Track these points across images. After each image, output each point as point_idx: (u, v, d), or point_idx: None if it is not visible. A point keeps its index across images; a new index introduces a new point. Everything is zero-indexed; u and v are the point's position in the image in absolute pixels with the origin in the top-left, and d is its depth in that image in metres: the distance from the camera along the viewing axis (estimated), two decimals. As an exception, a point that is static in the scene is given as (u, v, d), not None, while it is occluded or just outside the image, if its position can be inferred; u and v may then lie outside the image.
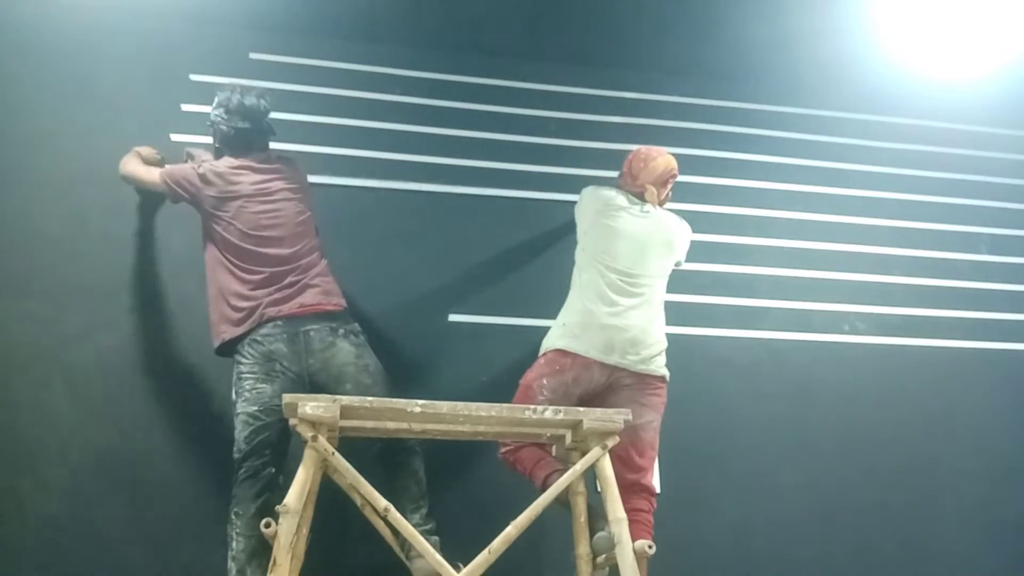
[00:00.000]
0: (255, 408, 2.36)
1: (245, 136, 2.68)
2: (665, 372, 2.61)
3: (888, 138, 3.67)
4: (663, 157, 2.79)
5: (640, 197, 2.76)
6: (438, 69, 3.35)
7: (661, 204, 2.81)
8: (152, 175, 2.68)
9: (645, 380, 2.55)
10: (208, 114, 2.75)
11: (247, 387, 2.39)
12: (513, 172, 3.30)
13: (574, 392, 2.52)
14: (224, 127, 2.68)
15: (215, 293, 2.53)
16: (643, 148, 2.85)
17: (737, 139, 3.53)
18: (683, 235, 2.82)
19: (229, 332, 2.46)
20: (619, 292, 2.60)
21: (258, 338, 2.43)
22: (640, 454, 2.50)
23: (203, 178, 2.59)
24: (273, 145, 2.80)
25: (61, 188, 2.87)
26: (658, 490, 2.58)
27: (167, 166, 2.71)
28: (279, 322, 2.44)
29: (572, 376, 2.52)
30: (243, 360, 2.43)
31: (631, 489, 2.41)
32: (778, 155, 3.54)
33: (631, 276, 2.63)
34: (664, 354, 2.63)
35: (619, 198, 2.75)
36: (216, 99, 2.72)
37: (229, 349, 2.48)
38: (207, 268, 2.57)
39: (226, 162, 2.65)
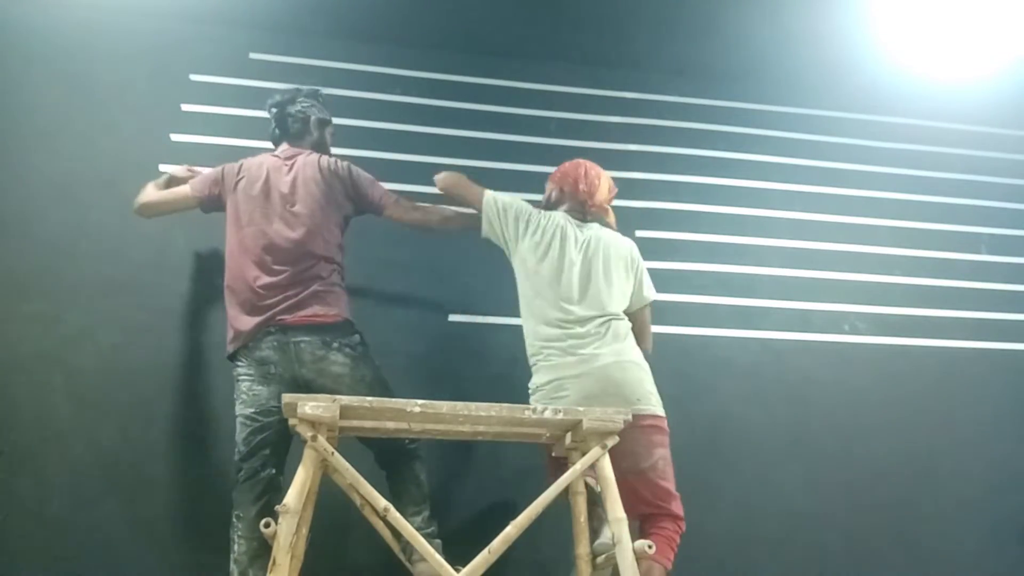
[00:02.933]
0: (251, 410, 2.35)
1: (284, 134, 2.70)
2: (656, 408, 2.42)
3: (888, 138, 3.68)
4: (603, 174, 2.67)
5: (582, 215, 2.63)
6: (438, 69, 3.36)
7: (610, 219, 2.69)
8: (178, 192, 2.62)
9: (642, 424, 2.35)
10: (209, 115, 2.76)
11: (244, 389, 2.39)
12: (513, 172, 3.30)
13: None
14: (273, 121, 2.70)
15: (228, 295, 2.50)
16: (579, 164, 2.70)
17: (737, 139, 3.53)
18: (626, 250, 2.63)
19: (235, 343, 2.45)
20: (583, 337, 2.43)
21: (250, 344, 2.42)
22: (657, 495, 2.39)
23: (227, 170, 2.58)
24: (271, 145, 2.80)
25: (61, 188, 2.88)
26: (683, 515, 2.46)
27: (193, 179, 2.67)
28: (272, 329, 2.42)
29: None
30: (239, 363, 2.43)
31: (655, 516, 2.38)
32: (778, 155, 3.54)
33: (591, 311, 2.46)
34: (650, 385, 2.45)
35: (567, 225, 2.57)
36: (277, 94, 2.74)
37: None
38: (227, 269, 2.53)
39: (260, 157, 2.63)
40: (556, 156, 3.30)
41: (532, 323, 2.52)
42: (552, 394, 2.42)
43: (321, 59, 3.25)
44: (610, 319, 2.48)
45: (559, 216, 2.62)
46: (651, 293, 2.66)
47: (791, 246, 3.43)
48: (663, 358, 3.00)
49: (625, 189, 2.95)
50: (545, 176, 3.28)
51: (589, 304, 2.48)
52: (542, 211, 2.65)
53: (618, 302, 2.54)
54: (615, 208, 2.78)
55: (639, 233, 3.18)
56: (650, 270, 2.73)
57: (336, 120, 3.19)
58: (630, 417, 2.16)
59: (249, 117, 3.10)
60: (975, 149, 3.77)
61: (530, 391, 2.51)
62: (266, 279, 2.46)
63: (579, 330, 2.45)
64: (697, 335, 3.19)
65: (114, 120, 2.99)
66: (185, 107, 3.07)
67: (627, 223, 3.20)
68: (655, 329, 2.99)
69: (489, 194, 2.68)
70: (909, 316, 3.43)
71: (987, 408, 3.36)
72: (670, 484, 2.44)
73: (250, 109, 3.11)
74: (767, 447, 3.11)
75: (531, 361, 2.52)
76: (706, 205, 3.37)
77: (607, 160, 3.26)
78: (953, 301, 3.49)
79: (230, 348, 2.46)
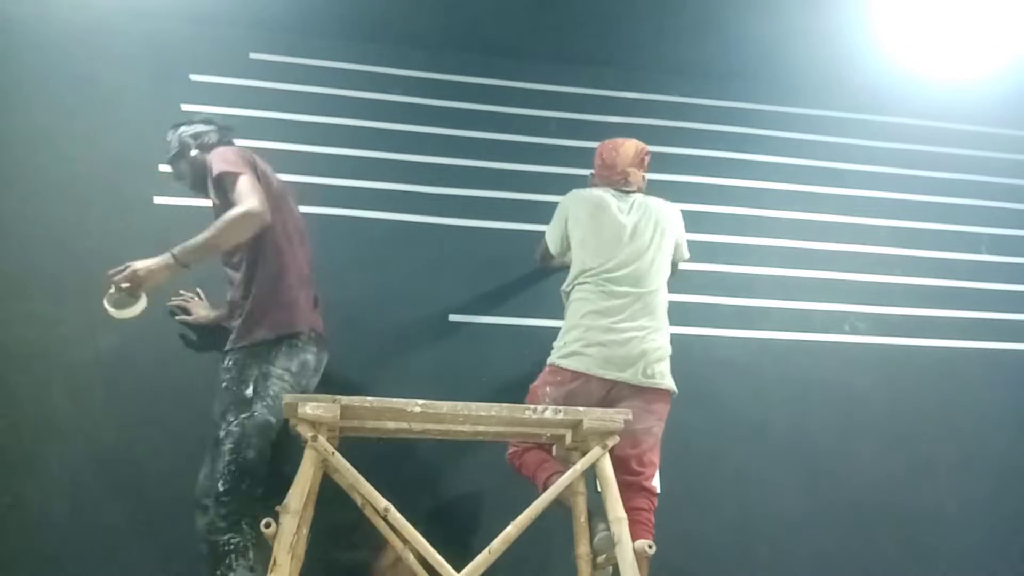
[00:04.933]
0: (275, 419, 2.29)
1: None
2: (668, 384, 2.55)
3: (888, 138, 3.68)
4: (630, 140, 2.79)
5: (622, 184, 2.73)
6: (438, 69, 3.36)
7: (642, 184, 2.79)
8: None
9: (647, 391, 2.50)
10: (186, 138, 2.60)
11: (273, 392, 2.30)
12: (513, 172, 3.30)
13: (574, 402, 2.49)
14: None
15: (288, 279, 2.42)
16: (606, 141, 2.82)
17: (737, 139, 3.53)
18: (673, 215, 2.75)
19: (292, 327, 2.37)
20: (617, 300, 2.55)
21: (298, 342, 2.38)
22: (640, 463, 2.46)
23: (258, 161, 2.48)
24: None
25: (61, 188, 2.88)
26: (658, 490, 2.57)
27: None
28: (312, 335, 2.44)
29: (571, 388, 2.50)
30: (276, 359, 2.34)
31: (630, 488, 2.40)
32: (778, 155, 3.55)
33: (629, 281, 2.57)
34: (667, 363, 2.56)
35: (606, 197, 2.69)
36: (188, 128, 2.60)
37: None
38: (284, 254, 2.44)
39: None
40: (556, 156, 3.32)
41: (573, 281, 2.65)
42: (579, 348, 2.53)
43: (321, 59, 3.25)
44: (648, 291, 2.58)
45: (598, 191, 2.73)
46: (686, 253, 2.83)
47: (791, 246, 3.43)
48: (663, 358, 3.01)
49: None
50: (545, 176, 3.31)
51: (632, 273, 2.59)
52: (581, 192, 2.76)
53: (661, 270, 2.64)
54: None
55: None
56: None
57: (336, 120, 3.20)
58: (630, 416, 2.17)
59: (249, 117, 3.10)
60: (975, 149, 3.78)
61: (554, 347, 2.61)
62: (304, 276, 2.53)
63: (616, 291, 2.56)
64: (697, 335, 3.20)
65: (114, 120, 2.99)
66: (185, 107, 3.07)
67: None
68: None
69: (547, 232, 2.82)
70: (909, 316, 3.43)
71: (987, 408, 3.36)
72: (654, 457, 2.52)
73: (250, 109, 3.12)
74: (767, 447, 3.11)
75: (566, 314, 2.65)
76: (706, 205, 3.38)
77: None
78: (953, 301, 3.49)
79: (286, 330, 2.37)
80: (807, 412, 3.20)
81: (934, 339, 3.42)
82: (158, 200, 2.95)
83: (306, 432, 2.01)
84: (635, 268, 2.59)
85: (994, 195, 3.72)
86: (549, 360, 2.60)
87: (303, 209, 3.00)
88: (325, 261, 2.99)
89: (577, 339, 2.54)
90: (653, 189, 2.97)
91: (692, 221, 2.98)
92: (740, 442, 3.10)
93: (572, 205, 2.72)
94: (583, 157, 3.33)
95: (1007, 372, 3.43)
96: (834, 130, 3.65)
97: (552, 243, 2.77)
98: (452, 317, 3.06)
